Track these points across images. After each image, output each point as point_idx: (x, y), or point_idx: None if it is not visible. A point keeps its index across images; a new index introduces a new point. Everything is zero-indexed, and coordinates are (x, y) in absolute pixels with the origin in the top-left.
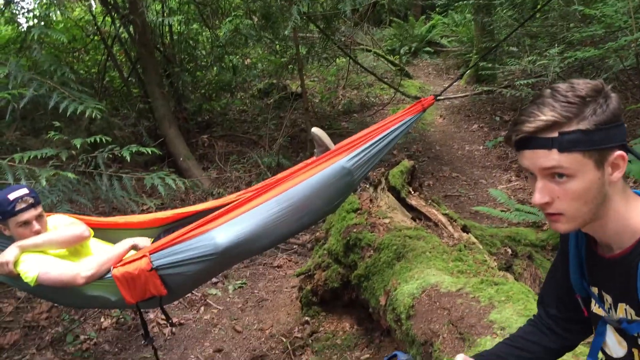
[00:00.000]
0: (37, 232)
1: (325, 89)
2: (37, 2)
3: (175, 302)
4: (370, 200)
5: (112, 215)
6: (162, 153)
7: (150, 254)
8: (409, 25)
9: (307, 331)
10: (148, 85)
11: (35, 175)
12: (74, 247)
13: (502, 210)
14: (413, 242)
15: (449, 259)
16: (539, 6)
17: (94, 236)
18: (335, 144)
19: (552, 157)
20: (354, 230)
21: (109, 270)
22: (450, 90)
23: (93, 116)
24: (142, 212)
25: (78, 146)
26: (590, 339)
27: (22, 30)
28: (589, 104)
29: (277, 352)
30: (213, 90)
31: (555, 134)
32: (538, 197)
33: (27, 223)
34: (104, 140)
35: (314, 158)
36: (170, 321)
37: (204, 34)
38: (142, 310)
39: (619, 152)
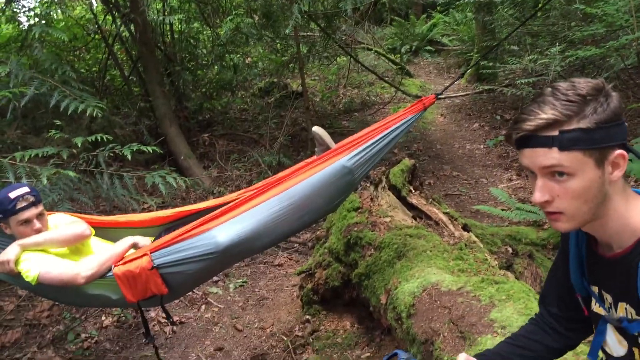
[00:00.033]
0: (38, 231)
1: (326, 87)
2: (38, 1)
3: (176, 301)
4: (371, 199)
5: (113, 213)
6: (163, 152)
7: (151, 253)
8: (409, 24)
9: (308, 330)
10: (149, 83)
11: (36, 174)
12: (74, 246)
13: (502, 209)
14: (414, 241)
15: (449, 257)
16: (540, 5)
17: (95, 235)
18: (336, 142)
19: (552, 156)
20: (355, 229)
21: (109, 270)
22: (451, 89)
23: (94, 115)
24: (143, 210)
25: (79, 145)
26: (591, 338)
27: (23, 28)
28: (589, 103)
29: (277, 350)
30: (214, 89)
31: (556, 133)
32: (538, 196)
33: (28, 221)
34: (104, 138)
35: (314, 157)
36: (170, 320)
37: (204, 32)
38: (143, 308)
39: (619, 151)
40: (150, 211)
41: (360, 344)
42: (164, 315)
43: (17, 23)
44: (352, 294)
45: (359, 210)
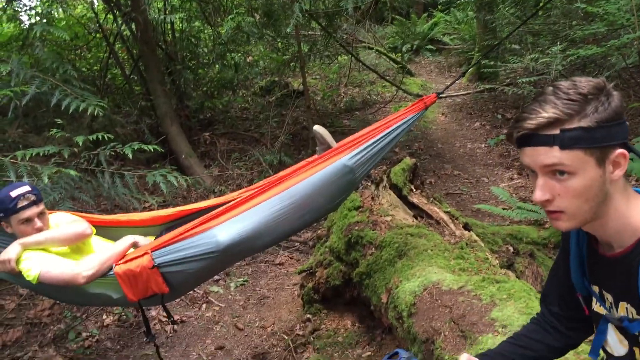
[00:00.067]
0: (39, 230)
1: (327, 86)
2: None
3: (177, 300)
4: (372, 198)
5: (114, 212)
6: (164, 150)
7: (152, 251)
8: (411, 22)
9: (309, 329)
10: (150, 82)
11: (37, 173)
12: (76, 245)
13: (503, 208)
14: (415, 240)
15: (450, 256)
16: (541, 4)
17: (96, 234)
18: (337, 141)
19: (553, 154)
20: (356, 228)
21: (110, 269)
22: (452, 88)
23: (95, 114)
24: (144, 209)
25: (80, 143)
26: (592, 338)
27: (25, 27)
28: (590, 102)
29: (278, 349)
30: (215, 87)
31: (557, 131)
32: (539, 195)
33: (29, 220)
34: (106, 137)
35: (315, 156)
36: (171, 319)
37: (205, 31)
38: (144, 307)
39: (620, 150)
40: (151, 210)
41: (361, 343)
42: (164, 314)
43: (18, 22)
44: (353, 293)
45: (360, 209)
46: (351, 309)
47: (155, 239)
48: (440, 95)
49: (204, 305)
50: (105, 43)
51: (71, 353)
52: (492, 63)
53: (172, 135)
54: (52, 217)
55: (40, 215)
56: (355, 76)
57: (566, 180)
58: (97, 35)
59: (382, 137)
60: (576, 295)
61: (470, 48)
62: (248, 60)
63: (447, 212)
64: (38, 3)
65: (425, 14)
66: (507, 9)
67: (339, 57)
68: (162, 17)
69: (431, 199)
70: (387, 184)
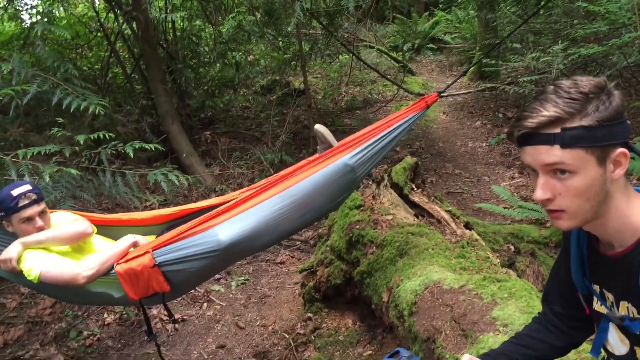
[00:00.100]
0: (40, 229)
1: (328, 85)
2: None
3: (178, 298)
4: (373, 197)
5: (115, 211)
6: (165, 149)
7: (153, 250)
8: (412, 21)
9: (310, 327)
10: (151, 81)
11: (38, 172)
12: (76, 244)
13: (505, 207)
14: (416, 239)
15: (451, 255)
16: (542, 3)
17: (97, 233)
18: (338, 140)
19: (554, 153)
20: (357, 226)
21: (110, 269)
22: (453, 87)
23: (96, 112)
24: (145, 208)
25: (81, 142)
26: (593, 337)
27: (26, 26)
28: (591, 101)
29: (279, 348)
30: (216, 86)
31: (558, 130)
32: (540, 193)
33: (30, 219)
34: (107, 136)
35: (316, 155)
36: (172, 319)
37: (206, 30)
38: (145, 306)
39: (621, 150)
40: (152, 209)
41: (362, 341)
42: (166, 312)
43: (19, 21)
44: (354, 292)
45: (361, 208)
46: (352, 307)
47: (156, 238)
48: (442, 94)
49: (205, 304)
50: (107, 42)
51: (72, 352)
52: (493, 62)
53: (173, 134)
54: (53, 216)
55: (42, 214)
56: (356, 75)
57: (567, 179)
58: (98, 34)
59: (383, 136)
60: (577, 294)
61: (472, 47)
62: (249, 59)
63: (448, 211)
64: (39, 2)
65: (427, 13)
66: (508, 7)
67: (340, 56)
68: (163, 15)
69: (432, 198)
70: (388, 183)
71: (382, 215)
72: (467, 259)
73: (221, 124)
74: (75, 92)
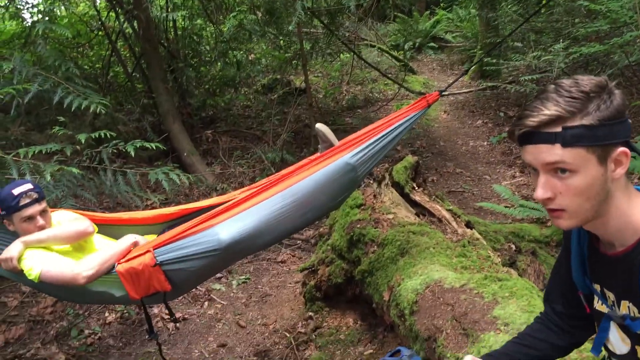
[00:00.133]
0: (41, 228)
1: (329, 84)
2: None
3: (179, 297)
4: (374, 196)
5: (117, 210)
6: (166, 148)
7: (154, 249)
8: (413, 20)
9: (311, 326)
10: (152, 80)
11: (39, 170)
12: (77, 243)
13: (506, 206)
14: (417, 238)
15: (452, 254)
16: (544, 1)
17: (98, 232)
18: (339, 139)
19: (555, 152)
20: (358, 225)
21: (110, 269)
22: (454, 85)
23: (97, 111)
24: (146, 207)
25: (82, 141)
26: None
27: (27, 25)
28: (592, 100)
29: (280, 347)
30: (217, 85)
31: (559, 129)
32: (540, 192)
33: (31, 218)
34: (108, 135)
35: (318, 154)
36: (173, 318)
37: (208, 29)
38: (146, 305)
39: (622, 149)
40: (153, 208)
41: (363, 340)
42: (167, 311)
43: (20, 19)
44: (355, 291)
45: (362, 207)
46: (353, 306)
47: (157, 237)
48: (443, 93)
49: (206, 303)
50: (108, 41)
51: (74, 350)
52: (494, 61)
53: (174, 133)
54: (54, 215)
55: (43, 213)
56: (357, 74)
57: (568, 178)
58: (100, 33)
59: (384, 135)
60: (577, 294)
61: (473, 46)
62: (250, 58)
63: (449, 210)
64: (40, 1)
65: (428, 12)
66: (509, 6)
67: (341, 54)
68: (164, 14)
69: (433, 196)
70: (389, 182)
71: (383, 214)
72: (468, 258)
73: (222, 122)
74: (76, 91)
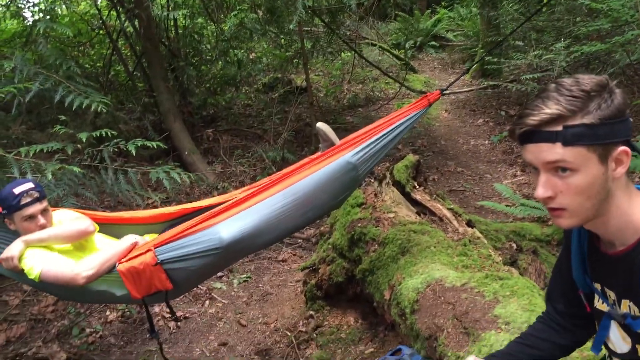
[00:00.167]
0: (43, 227)
1: (330, 83)
2: None
3: (181, 296)
4: (375, 195)
5: (118, 209)
6: (167, 147)
7: (155, 248)
8: (414, 19)
9: (312, 325)
10: (153, 79)
11: (41, 169)
12: (78, 242)
13: (507, 205)
14: (418, 237)
15: (453, 253)
16: (545, 0)
17: (99, 231)
18: (340, 138)
19: (555, 151)
20: (359, 224)
21: (110, 269)
22: (455, 84)
23: (98, 110)
24: (147, 206)
25: (84, 140)
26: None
27: (28, 24)
28: (593, 99)
29: (281, 345)
30: (218, 84)
31: (560, 128)
32: (541, 191)
33: (32, 217)
34: (109, 134)
35: (319, 153)
36: (174, 317)
37: (208, 28)
38: (147, 304)
39: (622, 148)
40: (154, 207)
41: (364, 339)
42: (168, 310)
43: (21, 18)
44: (355, 290)
45: (363, 206)
46: (354, 305)
47: (158, 236)
48: (444, 92)
49: (207, 302)
50: (109, 40)
51: (75, 349)
52: (495, 60)
53: (175, 132)
54: (55, 214)
55: (44, 212)
56: (358, 73)
57: (568, 177)
58: (101, 31)
59: (385, 134)
60: (578, 293)
61: (474, 44)
62: (251, 57)
63: (450, 209)
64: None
65: (429, 11)
66: (510, 5)
67: (342, 53)
68: (165, 13)
69: (434, 195)
70: (390, 181)
71: (384, 213)
72: (469, 257)
73: (223, 121)
74: (77, 90)
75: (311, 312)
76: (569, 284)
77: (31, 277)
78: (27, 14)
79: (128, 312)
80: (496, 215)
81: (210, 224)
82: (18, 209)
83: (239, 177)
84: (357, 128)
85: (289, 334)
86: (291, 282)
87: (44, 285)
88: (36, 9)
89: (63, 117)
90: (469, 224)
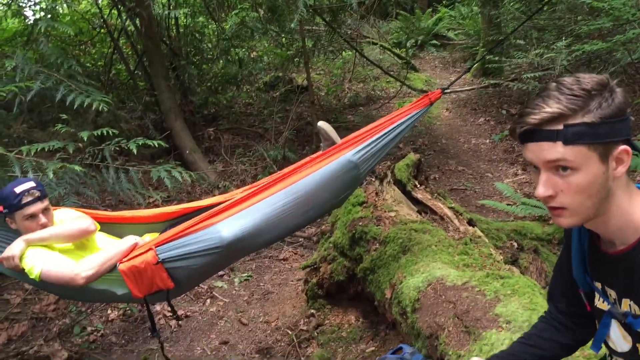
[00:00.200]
0: (44, 226)
1: (331, 82)
2: None
3: (182, 295)
4: (376, 194)
5: (119, 207)
6: (168, 146)
7: (156, 247)
8: (415, 18)
9: (313, 324)
10: (154, 78)
11: (42, 168)
12: (79, 241)
13: (508, 204)
14: (419, 236)
15: (454, 252)
16: None
17: (100, 230)
18: (341, 137)
19: (556, 150)
20: (360, 223)
21: (110, 269)
22: (456, 83)
23: (100, 109)
24: (149, 205)
25: (85, 139)
26: None
27: (29, 23)
28: (594, 98)
29: (282, 344)
30: (219, 83)
31: (560, 127)
32: (541, 190)
33: (33, 216)
34: (110, 133)
35: (320, 152)
36: (175, 316)
37: (210, 26)
38: (149, 303)
39: (623, 147)
40: (155, 205)
41: (365, 338)
42: (169, 309)
43: (22, 17)
44: (357, 289)
45: (364, 205)
46: (355, 304)
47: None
48: (445, 91)
49: (208, 301)
50: (110, 38)
51: (76, 347)
52: (496, 58)
53: (176, 131)
54: (56, 213)
55: (45, 211)
56: (359, 72)
57: (569, 176)
58: (102, 30)
59: (386, 132)
60: (578, 292)
61: (475, 43)
62: (252, 56)
63: (451, 208)
64: None
65: (430, 9)
66: (512, 4)
67: (343, 52)
68: (166, 12)
69: (435, 194)
70: (391, 180)
71: (385, 212)
72: (470, 256)
73: (224, 120)
74: (78, 89)
75: (312, 311)
76: (569, 283)
77: (32, 276)
78: (29, 12)
79: (129, 311)
80: (497, 214)
81: (211, 223)
82: (19, 208)
83: (240, 176)
84: (358, 127)
85: (290, 332)
86: (292, 281)
87: (45, 285)
88: (37, 7)
89: (64, 116)
90: (470, 222)
